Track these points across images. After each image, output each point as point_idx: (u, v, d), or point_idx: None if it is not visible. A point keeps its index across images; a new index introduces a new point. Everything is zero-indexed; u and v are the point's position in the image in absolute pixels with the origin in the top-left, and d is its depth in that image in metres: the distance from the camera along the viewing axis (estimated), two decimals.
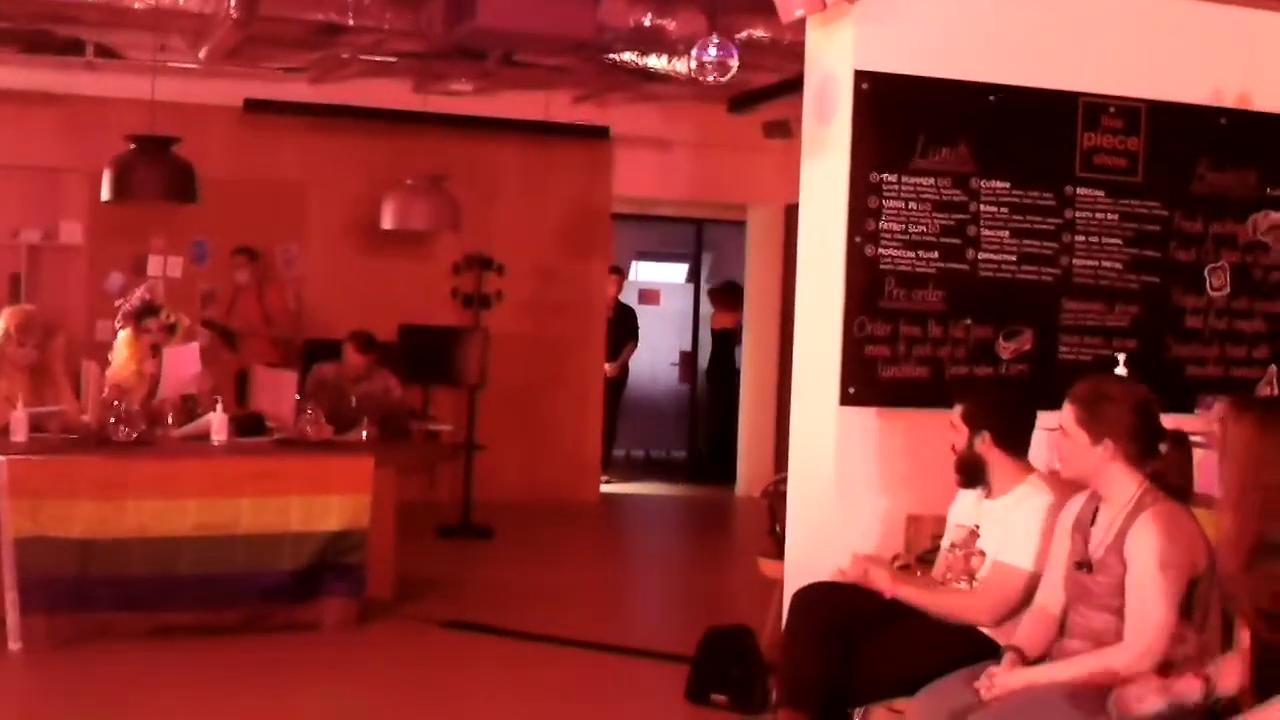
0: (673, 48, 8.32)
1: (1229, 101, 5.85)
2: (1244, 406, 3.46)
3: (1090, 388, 4.12)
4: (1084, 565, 4.00)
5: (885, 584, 4.68)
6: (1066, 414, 4.08)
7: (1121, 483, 3.95)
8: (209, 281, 10.61)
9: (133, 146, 8.29)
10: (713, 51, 5.93)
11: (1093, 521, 4.05)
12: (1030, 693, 3.85)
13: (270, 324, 10.26)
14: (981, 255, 5.52)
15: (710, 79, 6.00)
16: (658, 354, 14.25)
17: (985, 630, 4.51)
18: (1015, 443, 4.68)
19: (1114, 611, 3.88)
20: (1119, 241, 5.72)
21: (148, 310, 7.93)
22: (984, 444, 4.65)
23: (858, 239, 5.34)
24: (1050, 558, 4.24)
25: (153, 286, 9.43)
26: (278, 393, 8.06)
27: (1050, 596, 4.16)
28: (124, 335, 8.07)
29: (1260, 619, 3.27)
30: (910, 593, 4.66)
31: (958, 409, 4.77)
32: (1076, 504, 4.18)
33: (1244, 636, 3.44)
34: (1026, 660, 4.07)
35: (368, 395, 8.46)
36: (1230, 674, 3.44)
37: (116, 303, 8.70)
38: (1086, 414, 4.02)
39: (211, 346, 8.73)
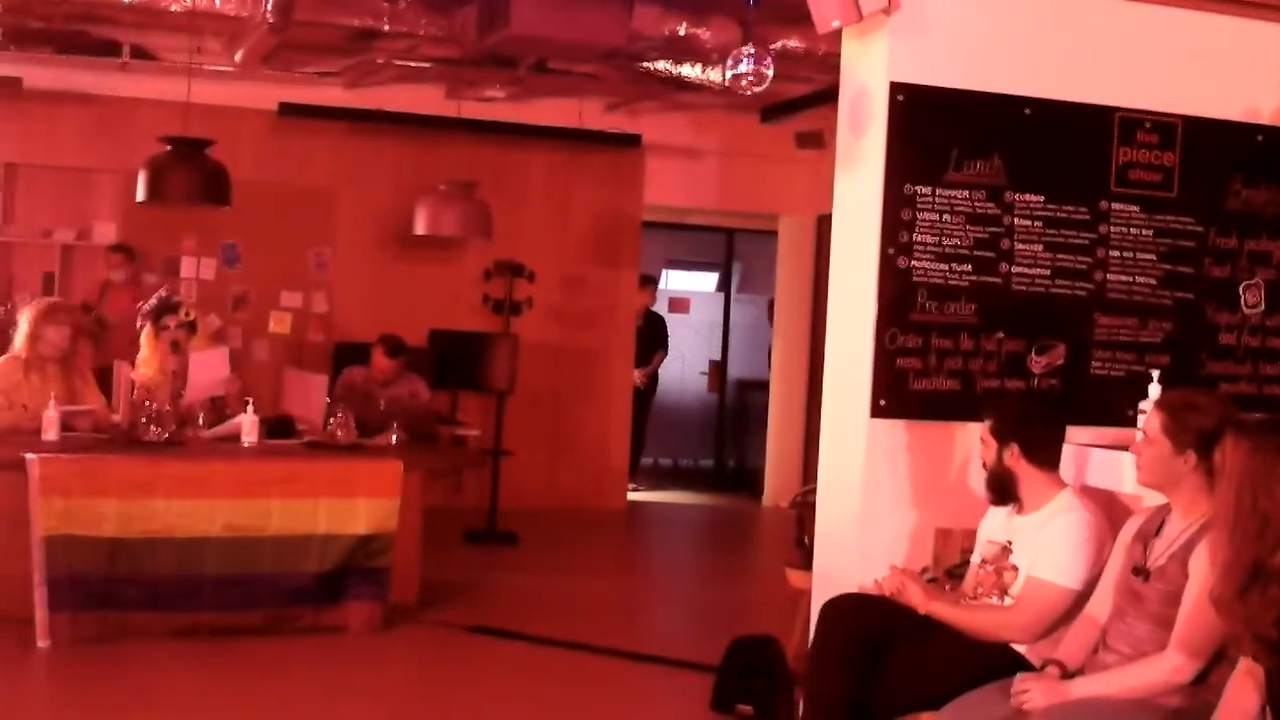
0: (706, 57, 8.33)
1: (1264, 118, 5.82)
2: (1240, 430, 3.41)
3: (1179, 397, 4.11)
4: (1141, 572, 3.98)
5: (919, 600, 4.65)
6: (1152, 420, 4.06)
7: (1199, 497, 3.91)
8: (241, 284, 10.66)
9: (167, 148, 8.33)
10: (747, 63, 5.91)
11: (1157, 533, 4.03)
12: (1068, 708, 3.84)
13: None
14: (1015, 269, 5.49)
15: (745, 90, 5.98)
16: (687, 363, 14.26)
17: (1016, 647, 4.49)
18: (1044, 456, 4.66)
19: (1160, 622, 3.86)
20: (1153, 257, 5.69)
21: (165, 308, 7.94)
22: (1012, 457, 4.63)
23: (890, 251, 5.33)
24: (1106, 569, 4.22)
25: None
26: (307, 396, 8.07)
27: (1099, 607, 4.15)
28: (145, 334, 8.09)
29: (1259, 645, 3.23)
30: (944, 610, 4.62)
31: (986, 423, 4.76)
32: (1140, 517, 4.17)
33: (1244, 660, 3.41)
34: (1067, 673, 4.06)
35: (395, 399, 8.48)
36: (1242, 697, 3.41)
37: (139, 304, 8.71)
38: (1172, 423, 3.99)
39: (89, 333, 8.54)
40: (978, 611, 4.60)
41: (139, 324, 8.09)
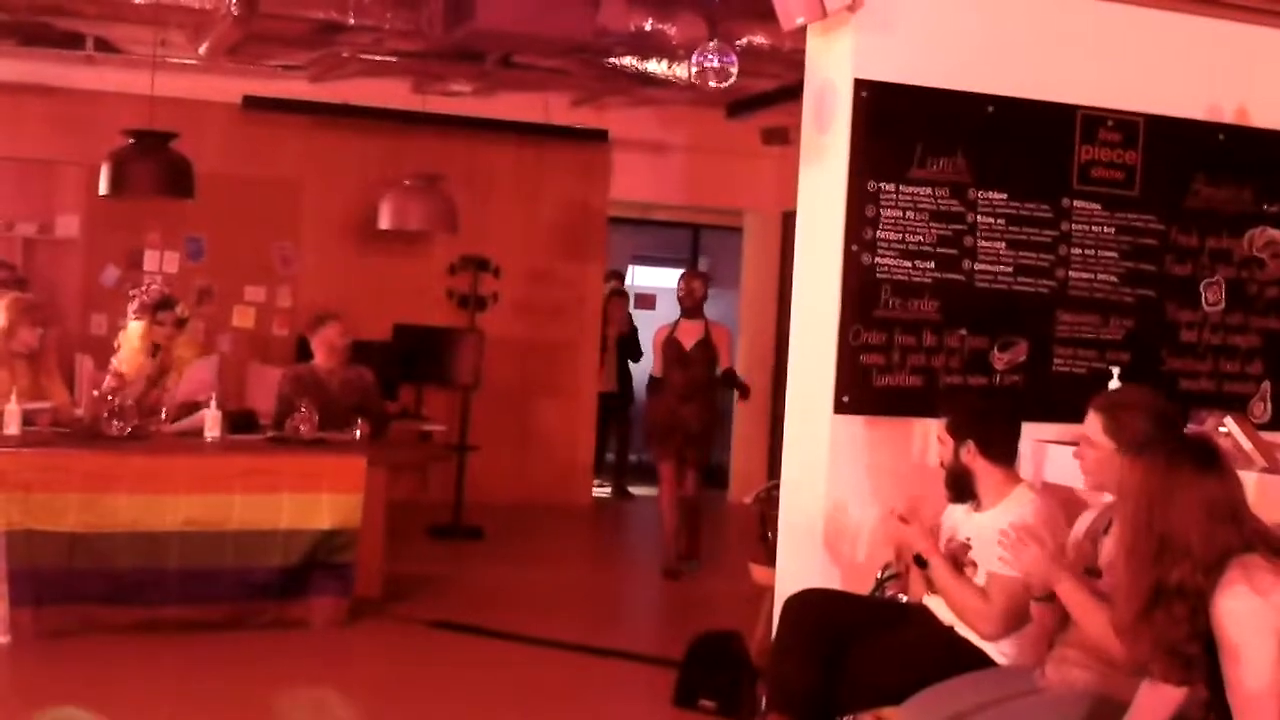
0: (672, 53, 8.33)
1: (1227, 117, 5.87)
2: (1135, 452, 3.39)
3: (1113, 396, 4.12)
4: (1092, 572, 4.00)
5: (925, 545, 4.62)
6: (1091, 423, 4.07)
7: None
8: (205, 278, 10.61)
9: (131, 141, 8.28)
10: (713, 58, 5.92)
11: (1106, 531, 4.05)
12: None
13: None
14: (977, 266, 5.53)
15: (710, 85, 6.00)
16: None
17: (981, 644, 4.50)
18: (1000, 452, 4.66)
19: None
20: (1114, 255, 5.73)
21: (164, 303, 7.89)
22: (969, 454, 4.64)
23: (854, 247, 5.35)
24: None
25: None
26: (271, 390, 8.03)
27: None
28: (136, 326, 7.97)
29: (1176, 662, 3.20)
30: (941, 569, 4.58)
31: (942, 421, 4.78)
32: (1091, 514, 4.18)
33: None
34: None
35: (346, 382, 8.34)
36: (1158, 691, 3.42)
37: (131, 292, 8.62)
38: (1112, 423, 4.00)
39: None
40: (965, 587, 4.55)
41: (134, 315, 7.98)
